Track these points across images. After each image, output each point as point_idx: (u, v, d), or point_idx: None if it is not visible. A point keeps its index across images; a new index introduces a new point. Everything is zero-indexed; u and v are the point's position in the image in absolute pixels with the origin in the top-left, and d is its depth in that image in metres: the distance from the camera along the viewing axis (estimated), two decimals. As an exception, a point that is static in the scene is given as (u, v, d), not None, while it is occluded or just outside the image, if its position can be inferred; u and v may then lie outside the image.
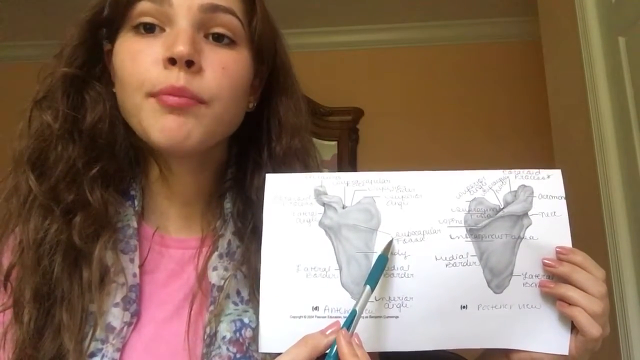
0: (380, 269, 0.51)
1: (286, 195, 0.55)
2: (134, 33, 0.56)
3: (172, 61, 0.53)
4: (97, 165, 0.58)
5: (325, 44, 2.38)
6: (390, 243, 0.53)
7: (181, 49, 0.53)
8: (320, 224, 0.54)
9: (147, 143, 0.60)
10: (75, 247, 0.55)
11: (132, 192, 0.61)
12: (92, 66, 0.61)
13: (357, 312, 0.48)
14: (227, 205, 0.63)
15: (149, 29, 0.56)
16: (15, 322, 0.53)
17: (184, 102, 0.54)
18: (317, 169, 0.67)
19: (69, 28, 0.61)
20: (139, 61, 0.55)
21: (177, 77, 0.53)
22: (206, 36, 0.57)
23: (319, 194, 0.55)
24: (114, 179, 0.60)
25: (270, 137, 0.65)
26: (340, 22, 2.34)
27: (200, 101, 0.55)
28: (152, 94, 0.54)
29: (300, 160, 0.64)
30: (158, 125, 0.54)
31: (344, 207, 0.54)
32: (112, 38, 0.59)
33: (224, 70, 0.56)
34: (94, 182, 0.58)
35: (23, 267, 0.55)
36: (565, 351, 0.53)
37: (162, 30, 0.56)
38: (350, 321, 0.48)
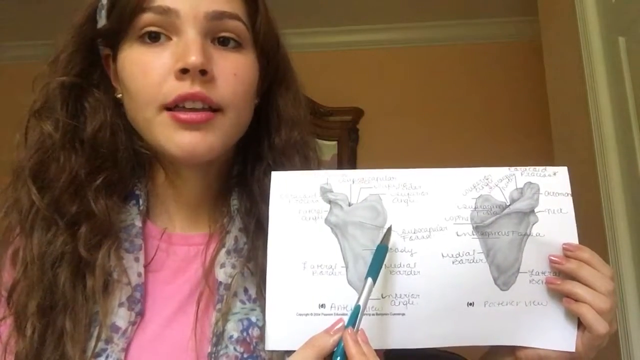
0: (380, 260, 0.50)
1: (292, 193, 0.55)
2: (140, 43, 0.56)
3: (184, 71, 0.53)
4: (100, 176, 0.58)
5: (325, 44, 2.38)
6: (389, 231, 0.52)
7: (194, 59, 0.52)
8: (326, 221, 0.54)
9: (153, 150, 0.60)
10: (80, 258, 0.55)
11: (137, 192, 0.61)
12: (90, 73, 0.60)
13: (361, 306, 0.48)
14: (234, 202, 0.63)
15: (154, 37, 0.55)
16: (17, 335, 0.53)
17: (199, 118, 0.54)
18: (317, 161, 0.67)
19: (62, 34, 0.60)
20: (149, 74, 0.54)
21: (190, 86, 0.53)
22: (212, 41, 0.57)
23: (324, 192, 0.55)
24: (117, 187, 0.59)
25: (270, 130, 0.65)
26: (340, 22, 2.34)
27: (216, 109, 0.55)
28: (165, 106, 0.54)
29: (300, 153, 0.64)
30: (176, 142, 0.54)
31: (350, 205, 0.54)
32: (113, 45, 0.59)
33: (235, 77, 0.57)
34: (98, 192, 0.57)
35: (27, 282, 0.54)
36: (572, 348, 0.53)
37: (169, 38, 0.55)
38: (355, 317, 0.48)
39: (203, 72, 0.53)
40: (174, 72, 0.54)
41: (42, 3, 2.08)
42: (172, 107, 0.54)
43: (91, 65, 0.60)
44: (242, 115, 0.59)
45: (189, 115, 0.54)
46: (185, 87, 0.53)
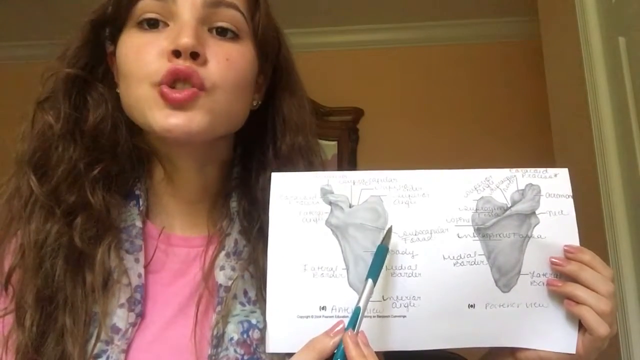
0: (380, 260, 0.50)
1: (292, 194, 0.55)
2: (138, 29, 0.57)
3: (176, 53, 0.53)
4: (98, 167, 0.58)
5: (325, 44, 2.38)
6: (389, 232, 0.52)
7: (186, 40, 0.53)
8: (327, 223, 0.54)
9: (150, 144, 0.61)
10: (77, 250, 0.55)
11: (137, 192, 0.61)
12: (95, 67, 0.61)
13: (361, 308, 0.48)
14: (233, 204, 0.63)
15: (152, 24, 0.56)
16: (17, 327, 0.53)
17: (188, 95, 0.53)
18: (322, 167, 0.67)
19: (72, 31, 0.61)
20: (143, 54, 0.55)
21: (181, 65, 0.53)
22: (210, 30, 0.57)
23: (325, 193, 0.55)
24: (116, 181, 0.60)
25: (275, 135, 0.65)
26: (341, 22, 2.34)
27: (202, 88, 0.55)
28: (156, 84, 0.54)
29: (304, 158, 0.64)
30: (159, 120, 0.54)
31: (350, 206, 0.54)
32: (115, 38, 0.59)
33: (228, 62, 0.56)
34: (95, 183, 0.57)
35: (25, 270, 0.55)
36: (572, 350, 0.53)
37: (166, 25, 0.56)
38: (355, 319, 0.48)
39: (194, 55, 0.53)
40: (166, 53, 0.54)
41: (43, 3, 2.08)
42: (160, 84, 0.54)
43: (97, 60, 0.61)
44: (232, 102, 0.58)
45: (172, 93, 0.53)
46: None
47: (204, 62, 0.55)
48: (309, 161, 0.65)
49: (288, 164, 0.63)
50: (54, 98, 0.59)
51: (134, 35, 0.57)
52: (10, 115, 0.60)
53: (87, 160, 0.58)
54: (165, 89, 0.53)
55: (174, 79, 0.54)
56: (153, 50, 0.55)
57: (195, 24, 0.55)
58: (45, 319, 0.53)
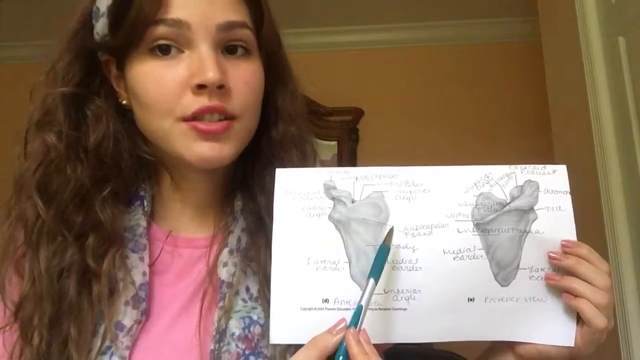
0: (382, 260, 0.51)
1: (296, 190, 0.56)
2: (152, 57, 0.56)
3: (201, 87, 0.54)
4: (107, 186, 0.58)
5: (325, 44, 2.39)
6: (390, 232, 0.53)
7: (211, 75, 0.53)
8: (330, 218, 0.55)
9: (157, 154, 0.61)
10: (87, 267, 0.55)
11: (142, 193, 0.62)
12: (90, 81, 0.60)
13: (363, 306, 0.49)
14: (238, 202, 0.64)
15: (164, 50, 0.55)
16: (24, 344, 0.53)
17: (220, 127, 0.55)
18: (314, 156, 0.68)
19: (57, 40, 0.60)
20: (164, 87, 0.55)
21: (209, 100, 0.55)
22: (222, 50, 0.57)
23: (328, 189, 0.56)
24: (122, 195, 0.60)
25: (268, 125, 0.65)
26: (340, 22, 2.35)
27: (232, 118, 0.57)
28: (184, 119, 0.55)
29: (297, 148, 0.65)
30: (196, 151, 0.56)
31: (353, 202, 0.55)
32: (118, 54, 0.58)
33: (246, 85, 0.58)
34: (104, 202, 0.57)
35: (35, 296, 0.54)
36: (571, 343, 0.54)
37: (180, 51, 0.56)
38: (357, 316, 0.48)
39: (220, 87, 0.55)
40: (190, 87, 0.54)
41: (42, 3, 2.09)
42: (190, 119, 0.55)
43: (90, 72, 0.60)
44: (254, 120, 0.60)
45: (208, 126, 0.55)
46: (204, 101, 0.54)
47: (228, 91, 0.56)
48: (302, 150, 0.65)
49: (282, 153, 0.64)
50: (52, 118, 0.58)
51: (149, 64, 0.56)
52: (10, 115, 0.60)
53: (94, 179, 0.58)
54: (200, 125, 0.55)
55: (203, 114, 0.55)
56: (173, 81, 0.55)
57: (215, 55, 0.55)
58: (53, 335, 0.53)
